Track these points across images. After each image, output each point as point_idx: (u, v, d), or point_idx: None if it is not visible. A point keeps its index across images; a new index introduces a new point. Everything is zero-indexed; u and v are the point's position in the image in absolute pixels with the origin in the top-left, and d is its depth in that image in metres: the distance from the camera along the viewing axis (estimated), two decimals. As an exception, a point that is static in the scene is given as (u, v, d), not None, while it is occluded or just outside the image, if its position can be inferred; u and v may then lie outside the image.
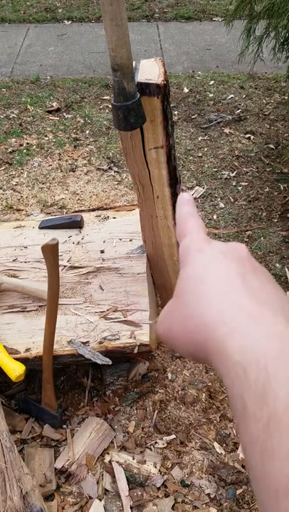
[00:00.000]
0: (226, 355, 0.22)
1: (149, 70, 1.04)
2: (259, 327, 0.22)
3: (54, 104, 3.06)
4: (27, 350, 1.32)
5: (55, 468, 1.33)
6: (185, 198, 0.34)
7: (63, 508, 1.27)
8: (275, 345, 0.21)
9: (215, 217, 2.26)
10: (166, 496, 1.30)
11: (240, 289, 0.25)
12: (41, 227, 1.68)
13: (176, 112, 2.98)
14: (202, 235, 0.31)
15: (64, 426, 1.43)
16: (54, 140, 2.74)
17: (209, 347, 0.23)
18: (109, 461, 1.36)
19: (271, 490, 0.18)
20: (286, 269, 1.97)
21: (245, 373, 0.20)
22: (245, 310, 0.23)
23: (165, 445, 1.40)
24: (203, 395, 1.50)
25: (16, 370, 1.24)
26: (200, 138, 2.77)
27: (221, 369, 0.23)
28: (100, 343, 1.31)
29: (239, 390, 0.21)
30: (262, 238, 2.12)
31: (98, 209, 1.77)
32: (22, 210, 2.26)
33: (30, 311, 1.43)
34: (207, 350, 0.24)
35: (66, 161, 2.59)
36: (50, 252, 1.15)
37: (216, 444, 1.41)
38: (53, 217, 1.80)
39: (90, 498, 1.29)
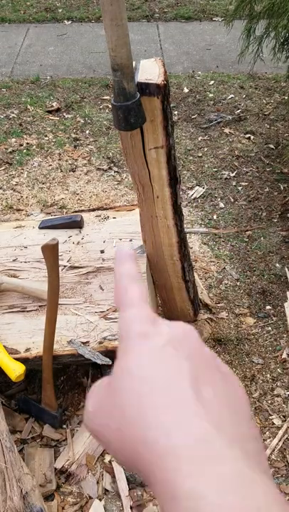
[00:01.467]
0: (173, 494, 0.19)
1: (149, 70, 1.04)
2: (214, 465, 0.19)
3: (54, 104, 3.06)
4: (27, 350, 1.32)
5: (55, 468, 1.33)
6: (124, 253, 0.29)
7: (63, 508, 1.27)
8: (232, 495, 0.18)
9: (215, 217, 2.26)
10: (166, 495, 1.30)
11: (191, 404, 0.21)
12: (41, 227, 1.68)
13: (176, 112, 2.98)
14: (146, 310, 0.26)
15: (64, 426, 1.43)
16: (54, 140, 2.75)
17: (154, 475, 0.20)
18: (109, 461, 1.36)
19: None
20: (286, 269, 1.97)
21: None
22: (197, 438, 0.20)
23: (165, 445, 1.40)
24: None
25: (16, 370, 1.24)
26: (200, 138, 2.77)
27: (164, 504, 0.19)
28: (100, 343, 1.31)
29: None
30: (262, 238, 2.12)
31: (98, 209, 1.77)
32: (22, 210, 2.26)
33: (30, 311, 1.43)
34: (150, 476, 0.20)
35: (66, 161, 2.59)
36: (50, 252, 1.15)
37: (216, 444, 1.40)
38: (53, 217, 1.80)
39: (90, 498, 1.29)
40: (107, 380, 0.25)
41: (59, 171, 2.52)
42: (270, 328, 1.76)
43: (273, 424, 1.48)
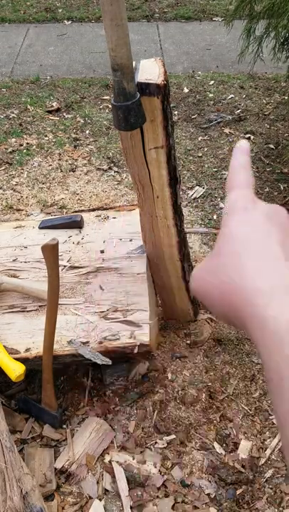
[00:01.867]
0: (263, 324, 0.22)
1: (149, 70, 1.04)
2: None
3: (54, 104, 3.06)
4: (27, 350, 1.32)
5: (55, 468, 1.33)
6: (242, 147, 0.34)
7: (63, 508, 1.27)
8: None
9: (215, 217, 2.26)
10: (166, 496, 1.30)
11: (279, 257, 0.25)
12: (41, 227, 1.68)
13: (176, 112, 2.98)
14: (250, 192, 0.31)
15: (64, 426, 1.43)
16: (54, 140, 2.74)
17: (246, 314, 0.23)
18: (109, 461, 1.35)
19: None
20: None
21: (282, 343, 0.20)
22: (284, 280, 0.23)
23: (165, 445, 1.40)
24: (203, 395, 1.50)
25: (16, 370, 1.24)
26: (200, 138, 2.77)
27: (256, 338, 0.22)
28: (100, 343, 1.31)
29: (276, 360, 0.20)
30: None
31: (98, 209, 1.77)
32: (22, 210, 2.26)
33: (30, 311, 1.42)
34: (243, 316, 0.24)
35: (66, 161, 2.59)
36: (50, 252, 1.15)
37: (216, 444, 1.41)
38: (53, 217, 1.80)
39: (90, 498, 1.29)
40: (211, 252, 0.29)
41: (59, 171, 2.52)
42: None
43: (273, 424, 1.48)
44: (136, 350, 1.31)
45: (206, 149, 2.68)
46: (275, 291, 0.23)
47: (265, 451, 1.40)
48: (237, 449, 1.40)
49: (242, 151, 0.34)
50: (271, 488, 1.33)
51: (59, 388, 1.52)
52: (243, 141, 0.35)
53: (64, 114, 3.00)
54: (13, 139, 2.75)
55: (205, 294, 0.27)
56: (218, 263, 0.27)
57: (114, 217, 1.70)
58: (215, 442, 1.41)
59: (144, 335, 1.33)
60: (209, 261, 0.28)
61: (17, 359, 1.28)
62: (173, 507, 1.27)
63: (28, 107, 3.03)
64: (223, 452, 1.39)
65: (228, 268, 0.26)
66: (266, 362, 0.21)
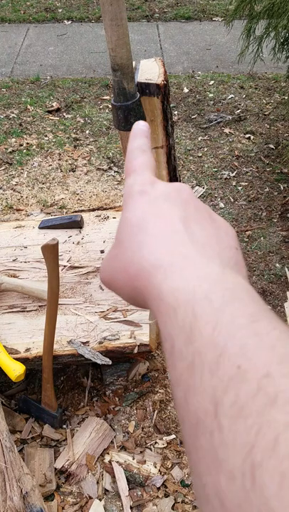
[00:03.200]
0: (160, 298, 0.22)
1: (149, 70, 1.04)
2: (192, 270, 0.22)
3: (54, 104, 3.06)
4: (27, 350, 1.32)
5: (55, 468, 1.33)
6: (139, 128, 0.33)
7: (63, 508, 1.27)
8: (205, 287, 0.21)
9: (215, 217, 2.26)
10: (166, 496, 1.30)
11: (179, 233, 0.25)
12: (41, 227, 1.68)
13: (176, 112, 2.98)
14: (147, 175, 0.29)
15: (64, 426, 1.43)
16: (54, 140, 2.75)
17: (148, 292, 0.24)
18: (109, 461, 1.35)
19: (192, 426, 0.18)
20: (286, 269, 1.97)
21: (175, 314, 0.21)
22: (182, 254, 0.23)
23: (165, 445, 1.40)
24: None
25: (16, 370, 1.24)
26: (200, 138, 2.77)
27: (156, 313, 0.23)
28: (100, 343, 1.31)
29: (169, 330, 0.21)
30: (262, 238, 2.12)
31: (98, 209, 1.77)
32: (22, 210, 2.26)
33: (30, 311, 1.43)
34: (145, 295, 0.24)
35: (66, 161, 2.59)
36: (50, 252, 1.15)
37: (216, 444, 1.40)
38: (53, 217, 1.80)
39: (90, 498, 1.29)
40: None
41: (59, 171, 2.52)
42: (270, 328, 1.76)
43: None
44: (136, 350, 1.31)
45: (206, 149, 2.68)
46: (172, 264, 0.23)
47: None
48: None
49: (139, 133, 0.32)
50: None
51: (59, 388, 1.52)
52: (140, 122, 0.33)
53: (64, 114, 3.00)
54: (13, 139, 2.75)
55: (111, 282, 0.27)
56: (119, 250, 0.27)
57: (114, 217, 1.70)
58: (215, 442, 1.41)
59: (144, 335, 1.33)
60: (112, 250, 0.28)
61: (17, 359, 1.28)
62: (173, 507, 1.27)
63: (28, 107, 3.03)
64: (223, 452, 1.39)
65: (128, 251, 0.26)
66: (162, 333, 0.22)
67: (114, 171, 2.53)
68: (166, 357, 0.21)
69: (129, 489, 1.29)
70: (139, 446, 1.39)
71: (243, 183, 2.44)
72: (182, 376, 0.19)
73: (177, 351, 0.20)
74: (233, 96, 3.14)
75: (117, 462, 1.35)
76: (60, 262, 1.23)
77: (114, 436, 1.41)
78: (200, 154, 2.65)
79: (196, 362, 0.19)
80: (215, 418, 0.17)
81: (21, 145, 2.71)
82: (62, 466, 1.33)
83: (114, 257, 0.27)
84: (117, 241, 0.27)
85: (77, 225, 1.65)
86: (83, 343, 1.31)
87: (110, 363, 1.28)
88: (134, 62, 1.00)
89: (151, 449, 1.39)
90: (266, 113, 2.96)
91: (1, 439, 1.19)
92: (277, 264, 2.00)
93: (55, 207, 2.27)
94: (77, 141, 2.75)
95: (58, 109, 3.02)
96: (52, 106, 3.04)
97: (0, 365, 1.26)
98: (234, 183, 2.45)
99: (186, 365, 0.19)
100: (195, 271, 0.22)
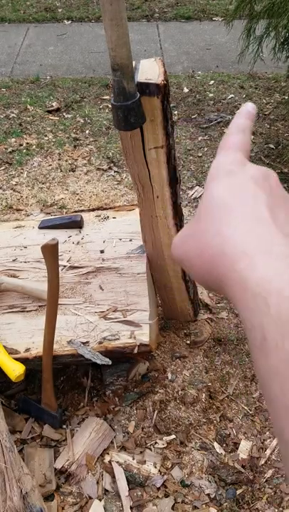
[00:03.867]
0: (245, 287, 0.21)
1: (149, 70, 1.04)
2: (282, 259, 0.21)
3: (54, 104, 3.06)
4: (27, 350, 1.32)
5: (55, 469, 1.32)
6: (246, 109, 0.32)
7: (63, 508, 1.27)
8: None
9: (215, 217, 2.26)
10: (166, 496, 1.29)
11: (266, 220, 0.24)
12: (41, 227, 1.67)
13: (176, 112, 2.97)
14: (239, 155, 0.29)
15: (64, 426, 1.43)
16: (54, 140, 2.74)
17: (227, 278, 0.23)
18: (109, 461, 1.35)
19: None
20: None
21: (266, 304, 0.20)
22: (269, 242, 0.22)
23: (165, 445, 1.40)
24: (203, 395, 1.50)
25: (15, 370, 1.23)
26: (200, 138, 2.77)
27: (238, 301, 0.22)
28: (100, 343, 1.31)
29: (259, 321, 0.20)
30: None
31: (98, 209, 1.77)
32: (22, 210, 2.26)
33: (30, 311, 1.42)
34: (224, 280, 0.23)
35: (66, 160, 2.59)
36: (50, 252, 1.15)
37: (215, 444, 1.40)
38: (53, 217, 1.80)
39: (90, 498, 1.28)
40: (192, 218, 0.28)
41: (59, 170, 2.52)
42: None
43: (273, 424, 1.47)
44: (136, 350, 1.31)
45: (206, 149, 2.68)
46: (258, 253, 0.22)
47: (265, 451, 1.40)
48: (237, 449, 1.40)
49: (244, 114, 0.32)
50: (271, 488, 1.33)
51: (59, 388, 1.52)
52: (249, 103, 0.33)
53: (64, 113, 3.00)
54: (13, 139, 2.75)
55: (185, 259, 0.27)
56: (198, 228, 0.26)
57: (114, 217, 1.70)
58: (215, 442, 1.41)
59: (144, 335, 1.32)
60: (190, 227, 0.27)
61: (17, 359, 1.27)
62: (173, 507, 1.27)
63: (28, 106, 3.03)
64: (223, 452, 1.39)
65: (208, 233, 0.25)
66: (248, 322, 0.21)
67: (114, 171, 2.53)
68: (253, 348, 0.21)
69: (129, 489, 1.29)
70: (139, 447, 1.39)
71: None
72: (279, 368, 0.19)
73: (272, 343, 0.19)
74: (233, 96, 3.14)
75: (117, 462, 1.35)
76: (59, 262, 1.23)
77: (114, 437, 1.41)
78: (200, 154, 2.65)
79: None
80: None
81: (21, 145, 2.71)
82: (62, 466, 1.32)
83: (192, 234, 0.26)
84: (197, 217, 0.26)
85: (77, 225, 1.65)
86: (83, 343, 1.31)
87: (110, 363, 1.28)
88: (134, 62, 1.00)
89: (151, 449, 1.39)
90: (266, 113, 2.96)
91: (0, 439, 1.19)
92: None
93: (55, 207, 2.27)
94: (77, 141, 2.75)
95: (57, 109, 3.02)
96: (52, 106, 3.04)
97: (0, 365, 1.26)
98: (234, 183, 2.44)
99: (284, 356, 0.19)
100: (284, 259, 0.21)
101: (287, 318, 0.19)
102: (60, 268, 1.25)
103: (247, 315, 0.21)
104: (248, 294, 0.21)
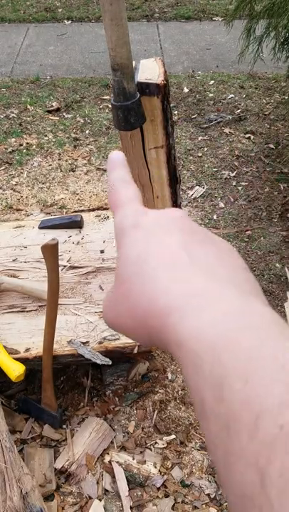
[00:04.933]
0: (179, 343, 0.20)
1: (149, 70, 1.04)
2: (212, 306, 0.20)
3: (54, 103, 3.06)
4: (27, 350, 1.32)
5: (55, 469, 1.32)
6: (114, 159, 0.30)
7: (63, 508, 1.27)
8: (230, 325, 0.18)
9: (215, 217, 2.26)
10: (166, 496, 1.29)
11: (185, 263, 0.22)
12: (41, 227, 1.67)
13: (176, 112, 2.97)
14: (136, 206, 0.27)
15: (64, 426, 1.43)
16: (54, 140, 2.74)
17: (163, 335, 0.21)
18: (109, 461, 1.35)
19: (238, 497, 0.16)
20: (286, 269, 1.97)
21: (201, 363, 0.18)
22: (194, 288, 0.21)
23: (165, 445, 1.40)
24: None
25: (15, 370, 1.23)
26: (200, 138, 2.77)
27: (178, 359, 0.20)
28: (100, 343, 1.31)
29: (196, 382, 0.18)
30: (262, 238, 2.12)
31: (98, 209, 1.77)
32: (22, 210, 2.26)
33: (30, 311, 1.42)
34: (162, 338, 0.21)
35: (66, 160, 2.59)
36: (50, 252, 1.15)
37: (216, 444, 1.40)
38: (53, 217, 1.80)
39: (90, 498, 1.28)
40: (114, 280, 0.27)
41: (59, 170, 2.52)
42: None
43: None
44: (136, 350, 1.31)
45: (206, 149, 2.68)
46: (186, 304, 0.20)
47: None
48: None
49: (117, 163, 0.30)
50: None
51: (59, 388, 1.52)
52: (113, 152, 0.31)
53: (64, 113, 3.00)
54: (13, 139, 2.75)
55: (119, 325, 0.25)
56: (122, 290, 0.24)
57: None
58: (215, 442, 1.41)
59: (144, 335, 1.32)
60: (114, 291, 0.25)
61: (17, 359, 1.27)
62: (173, 507, 1.27)
63: (28, 106, 3.03)
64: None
65: (132, 293, 0.23)
66: (188, 383, 0.19)
67: (114, 171, 2.52)
68: (196, 410, 0.19)
69: (129, 489, 1.29)
70: (139, 447, 1.39)
71: (243, 183, 2.44)
72: (218, 439, 0.17)
73: (209, 409, 0.17)
74: (233, 96, 3.14)
75: (117, 462, 1.35)
76: (59, 262, 1.23)
77: (114, 437, 1.41)
78: (200, 154, 2.65)
79: (232, 425, 0.16)
80: (262, 489, 0.15)
81: (21, 145, 2.71)
82: (62, 466, 1.32)
83: (118, 298, 0.25)
84: (118, 281, 0.25)
85: (77, 225, 1.65)
86: (83, 343, 1.31)
87: (110, 363, 1.28)
88: (134, 62, 1.00)
89: (151, 449, 1.39)
90: (266, 113, 2.96)
91: (0, 439, 1.19)
92: (277, 264, 2.00)
93: (55, 207, 2.27)
94: (77, 141, 2.75)
95: (57, 109, 3.02)
96: (52, 106, 3.04)
97: (0, 365, 1.26)
98: (234, 183, 2.44)
99: (221, 427, 0.17)
100: (214, 305, 0.20)
101: (221, 382, 0.17)
102: (60, 268, 1.25)
103: (185, 374, 0.19)
104: (183, 350, 0.19)
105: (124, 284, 0.24)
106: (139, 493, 1.29)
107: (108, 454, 1.37)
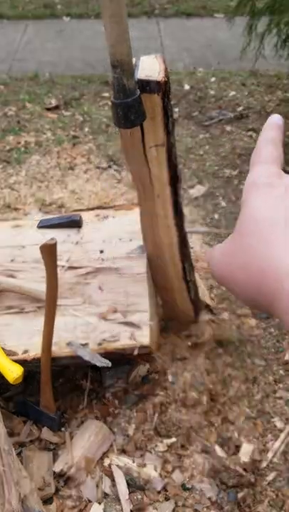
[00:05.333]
0: None
1: (149, 67, 1.01)
2: None
3: (53, 101, 3.03)
4: (25, 351, 1.30)
5: (54, 472, 1.31)
6: (273, 121, 0.31)
7: (62, 512, 1.26)
8: None
9: (216, 216, 2.24)
10: (167, 499, 1.28)
11: None
12: (40, 227, 1.65)
13: (176, 110, 2.95)
14: (275, 167, 0.28)
15: (63, 429, 1.41)
16: (53, 138, 2.72)
17: (275, 298, 0.22)
18: (109, 465, 1.34)
19: None
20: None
21: None
22: None
23: (165, 448, 1.38)
24: (204, 397, 1.49)
25: (13, 372, 1.22)
26: (201, 136, 2.74)
27: (285, 323, 0.21)
28: (100, 344, 1.30)
29: None
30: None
31: (97, 208, 1.75)
32: (20, 209, 2.24)
33: (28, 312, 1.41)
34: (271, 301, 0.22)
35: (65, 159, 2.57)
36: (49, 252, 1.13)
37: (217, 447, 1.39)
38: (52, 216, 1.78)
39: (90, 501, 1.27)
40: (232, 234, 0.27)
41: (58, 169, 2.50)
42: (272, 329, 1.74)
43: (275, 426, 1.46)
44: (136, 352, 1.29)
45: (207, 147, 2.66)
46: None
47: (267, 453, 1.39)
48: (238, 451, 1.38)
49: (272, 125, 0.31)
50: (273, 491, 1.31)
51: (58, 390, 1.50)
52: (275, 115, 0.32)
53: (63, 111, 2.97)
54: (11, 137, 2.72)
55: (229, 278, 0.26)
56: (241, 244, 0.25)
57: (114, 217, 1.68)
58: (216, 445, 1.40)
59: (144, 336, 1.31)
60: (231, 243, 0.26)
61: (15, 361, 1.26)
62: (173, 510, 1.25)
63: (27, 104, 3.00)
64: (225, 455, 1.38)
65: (253, 248, 0.24)
66: None
67: (114, 170, 2.50)
68: None
69: (129, 493, 1.28)
70: (139, 450, 1.38)
71: (244, 182, 2.42)
72: None
73: None
74: (234, 93, 3.11)
75: (117, 465, 1.33)
76: (58, 262, 1.21)
77: (114, 439, 1.39)
78: (201, 152, 2.62)
79: None
80: None
81: (19, 143, 2.69)
82: (61, 470, 1.31)
83: (234, 251, 0.25)
84: (238, 234, 0.26)
85: (76, 224, 1.63)
86: (82, 344, 1.30)
87: (110, 364, 1.26)
88: (134, 59, 0.97)
89: (151, 452, 1.37)
90: (268, 110, 2.94)
91: (-2, 442, 1.18)
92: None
93: (54, 206, 2.25)
94: (76, 139, 2.72)
95: (56, 107, 3.00)
96: (50, 103, 3.01)
97: (-3, 368, 1.24)
98: (236, 182, 2.42)
99: None
100: None
101: None
102: (58, 268, 1.23)
103: None
104: None
105: (245, 238, 0.25)
106: (139, 497, 1.28)
107: (108, 457, 1.36)
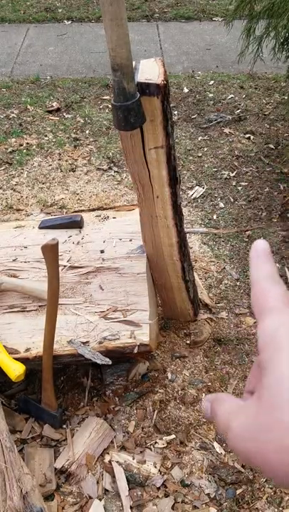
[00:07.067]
0: None
1: (149, 70, 1.04)
2: None
3: (54, 104, 3.06)
4: (27, 350, 1.32)
5: (55, 468, 1.33)
6: (259, 250, 0.27)
7: (63, 508, 1.27)
8: None
9: (215, 217, 2.26)
10: (166, 495, 1.30)
11: None
12: (41, 227, 1.67)
13: (176, 112, 2.98)
14: None
15: (64, 426, 1.43)
16: (54, 140, 2.74)
17: None
18: (109, 461, 1.35)
19: None
20: (286, 269, 1.97)
21: None
22: None
23: (165, 445, 1.40)
24: (203, 394, 1.50)
25: (16, 370, 1.23)
26: (200, 138, 2.77)
27: None
28: (100, 343, 1.31)
29: None
30: (262, 238, 2.12)
31: (98, 209, 1.77)
32: (22, 210, 2.26)
33: (30, 311, 1.42)
34: None
35: (66, 160, 2.59)
36: (50, 252, 1.15)
37: (215, 444, 1.41)
38: (53, 217, 1.80)
39: (90, 498, 1.29)
40: (253, 397, 0.22)
41: (59, 170, 2.52)
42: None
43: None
44: (136, 350, 1.31)
45: (205, 149, 2.68)
46: None
47: None
48: (237, 448, 1.40)
49: (262, 256, 0.27)
50: (271, 488, 1.33)
51: (59, 388, 1.52)
52: (258, 241, 0.27)
53: (64, 114, 3.00)
54: (13, 139, 2.75)
55: (257, 457, 0.22)
56: (274, 418, 0.21)
57: (114, 217, 1.70)
58: (215, 442, 1.41)
59: (144, 335, 1.32)
60: (256, 416, 0.22)
61: (17, 359, 1.27)
62: (173, 507, 1.27)
63: (28, 106, 3.03)
64: (223, 452, 1.39)
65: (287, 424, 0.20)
66: None
67: (114, 171, 2.53)
68: None
69: (129, 489, 1.29)
70: (139, 446, 1.39)
71: (243, 183, 2.44)
72: None
73: None
74: (233, 96, 3.14)
75: (117, 462, 1.35)
76: (60, 262, 1.23)
77: (114, 436, 1.41)
78: (200, 154, 2.65)
79: None
80: None
81: (21, 145, 2.71)
82: (62, 466, 1.32)
83: (262, 426, 0.21)
84: (269, 405, 0.21)
85: (77, 225, 1.65)
86: (83, 343, 1.31)
87: (110, 362, 1.28)
88: (134, 62, 1.00)
89: (151, 449, 1.39)
90: (266, 113, 2.96)
91: (1, 439, 1.19)
92: (277, 264, 2.00)
93: (55, 207, 2.27)
94: (77, 141, 2.75)
95: (58, 109, 3.02)
96: (52, 106, 3.04)
97: (0, 365, 1.26)
98: (234, 183, 2.45)
99: None
100: None
101: None
102: (60, 268, 1.25)
103: None
104: None
105: (276, 411, 0.21)
106: (139, 493, 1.29)
107: (108, 453, 1.37)
